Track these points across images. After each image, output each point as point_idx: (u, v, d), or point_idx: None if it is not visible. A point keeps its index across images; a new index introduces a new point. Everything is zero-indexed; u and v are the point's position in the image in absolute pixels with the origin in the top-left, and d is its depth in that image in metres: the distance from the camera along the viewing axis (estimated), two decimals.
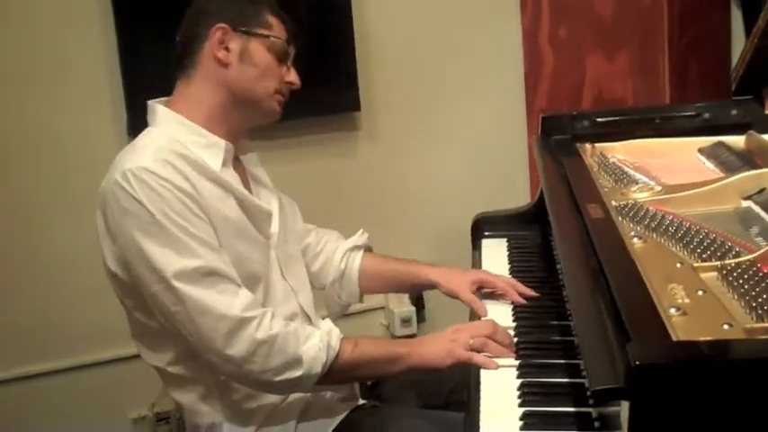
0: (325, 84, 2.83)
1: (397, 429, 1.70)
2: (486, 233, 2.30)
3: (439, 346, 1.62)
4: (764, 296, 1.24)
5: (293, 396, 1.71)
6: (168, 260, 1.53)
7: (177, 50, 1.73)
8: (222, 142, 1.69)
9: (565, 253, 1.56)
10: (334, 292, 2.00)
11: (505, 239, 2.24)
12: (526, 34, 3.07)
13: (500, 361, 1.56)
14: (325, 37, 2.85)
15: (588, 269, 1.35)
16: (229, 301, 1.53)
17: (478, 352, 1.58)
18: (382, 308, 3.14)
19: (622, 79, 3.01)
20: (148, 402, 2.91)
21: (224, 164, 1.68)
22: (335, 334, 1.61)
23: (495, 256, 2.14)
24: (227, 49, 1.67)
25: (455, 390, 1.78)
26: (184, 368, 1.69)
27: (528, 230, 2.23)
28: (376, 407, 1.84)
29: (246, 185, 1.77)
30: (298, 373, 1.56)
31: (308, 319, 1.81)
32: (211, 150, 1.67)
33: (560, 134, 2.27)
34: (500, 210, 2.34)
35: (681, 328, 1.14)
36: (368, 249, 2.05)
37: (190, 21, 1.72)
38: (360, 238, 2.03)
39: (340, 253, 1.99)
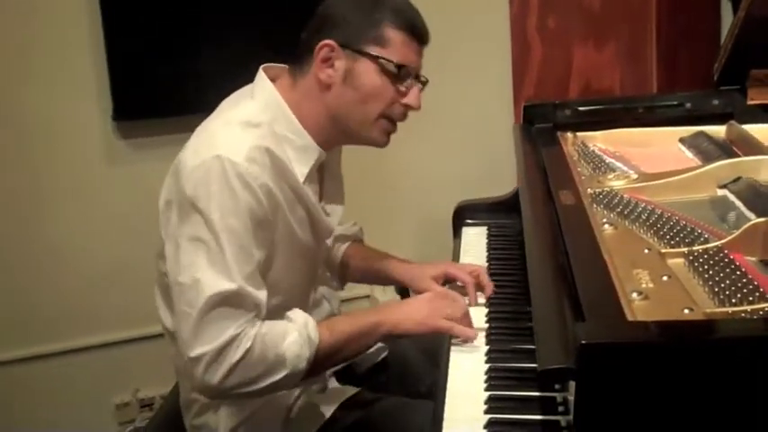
0: None
1: (386, 418, 1.69)
2: (468, 221, 2.30)
3: (414, 312, 1.60)
4: (727, 282, 1.24)
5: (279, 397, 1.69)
6: (203, 270, 1.46)
7: (297, 48, 1.62)
8: (317, 150, 1.60)
9: (530, 236, 1.56)
10: None
11: (486, 227, 2.24)
12: (514, 23, 3.05)
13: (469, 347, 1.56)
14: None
15: (551, 252, 1.35)
16: (225, 330, 1.45)
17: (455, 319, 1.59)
18: (367, 296, 3.14)
19: (610, 69, 3.00)
20: (132, 388, 2.92)
21: (309, 175, 1.60)
22: (311, 324, 1.54)
23: (475, 244, 2.14)
24: (332, 66, 1.56)
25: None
26: None
27: (509, 219, 2.22)
28: (365, 397, 1.78)
29: (321, 190, 1.71)
30: (282, 373, 1.50)
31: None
32: (305, 155, 1.59)
33: (543, 122, 2.27)
34: (482, 198, 2.33)
35: (640, 311, 1.15)
36: (357, 240, 2.01)
37: (313, 23, 1.62)
38: (349, 228, 2.00)
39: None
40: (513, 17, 3.05)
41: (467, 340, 1.57)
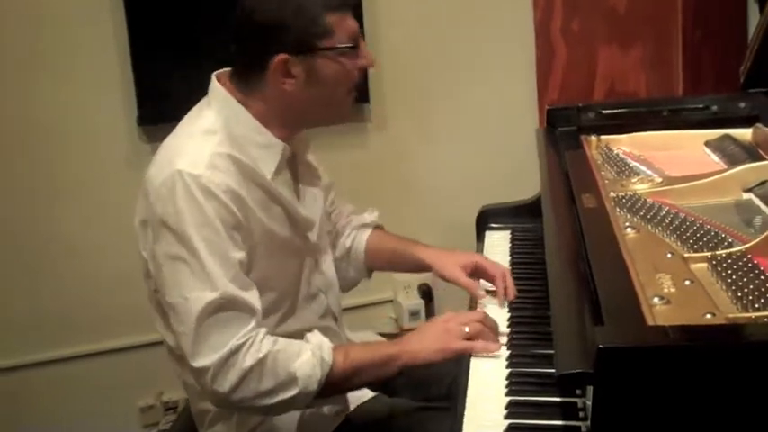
0: None
1: (402, 423, 1.70)
2: (491, 225, 2.28)
3: (431, 340, 1.56)
4: (751, 286, 1.22)
5: None
6: (187, 287, 1.48)
7: (235, 59, 1.62)
8: (281, 145, 1.61)
9: (550, 240, 1.55)
10: (341, 267, 1.96)
11: (509, 231, 2.23)
12: (538, 26, 3.04)
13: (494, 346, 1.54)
14: None
15: (571, 256, 1.34)
16: (227, 338, 1.47)
17: (475, 338, 1.55)
18: (391, 301, 3.14)
19: (635, 72, 2.99)
20: (156, 391, 2.93)
21: (278, 169, 1.62)
22: (326, 346, 1.54)
23: (498, 247, 2.12)
24: (290, 75, 1.56)
25: (455, 382, 1.75)
26: None
27: (533, 222, 2.20)
28: (381, 401, 1.80)
29: (296, 182, 1.72)
30: (293, 392, 1.50)
31: (335, 319, 1.81)
32: (269, 152, 1.60)
33: (566, 126, 2.26)
34: (505, 202, 2.32)
35: (662, 316, 1.13)
36: (378, 227, 2.01)
37: (247, 40, 1.59)
38: (369, 216, 2.00)
39: (348, 230, 1.97)
40: (537, 20, 3.04)
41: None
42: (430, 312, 3.11)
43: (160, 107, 2.73)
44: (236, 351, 1.47)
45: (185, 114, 2.69)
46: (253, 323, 1.50)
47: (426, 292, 3.09)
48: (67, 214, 2.78)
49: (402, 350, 1.58)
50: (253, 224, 1.57)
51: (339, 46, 1.57)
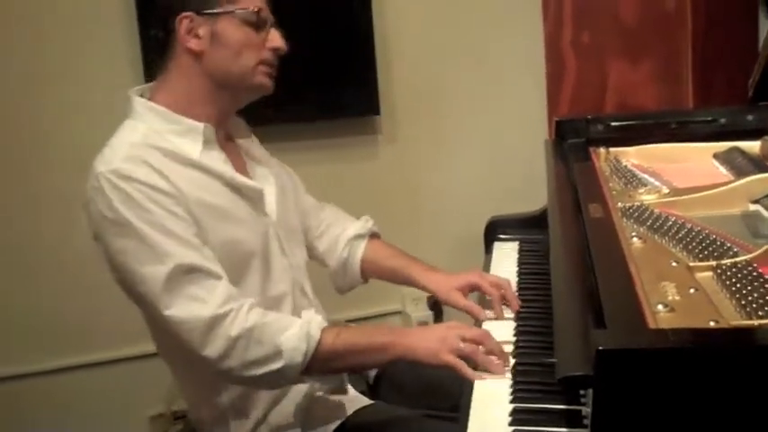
0: (344, 87, 2.85)
1: (397, 430, 1.70)
2: (500, 236, 2.29)
3: (428, 342, 1.56)
4: (755, 295, 1.22)
5: (289, 400, 1.73)
6: (144, 265, 1.54)
7: (155, 41, 1.72)
8: (199, 126, 1.66)
9: (555, 247, 1.55)
10: (337, 277, 2.01)
11: (518, 243, 2.23)
12: (548, 39, 3.05)
13: (488, 376, 1.50)
14: (346, 41, 2.87)
15: (576, 263, 1.35)
16: (201, 305, 1.53)
17: (468, 358, 1.53)
18: (399, 312, 3.14)
19: (645, 86, 2.99)
20: (166, 400, 2.94)
21: (207, 146, 1.66)
22: (316, 323, 1.58)
23: (506, 258, 2.13)
24: (196, 36, 1.65)
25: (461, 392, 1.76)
26: (180, 360, 1.71)
27: (541, 234, 2.20)
28: (380, 408, 1.81)
29: (240, 164, 1.76)
30: (278, 364, 1.54)
31: (305, 294, 1.82)
32: (189, 136, 1.65)
33: (575, 138, 2.27)
34: (514, 213, 2.33)
35: (665, 323, 1.14)
36: (374, 235, 2.03)
37: (157, 13, 1.70)
38: (364, 225, 2.02)
39: (343, 241, 1.98)
40: (547, 33, 3.05)
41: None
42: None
43: None
44: (221, 318, 1.52)
45: None
46: (223, 284, 1.55)
47: (435, 304, 3.09)
48: (79, 220, 2.79)
49: (397, 341, 1.59)
50: (186, 196, 1.60)
51: (239, 10, 1.66)
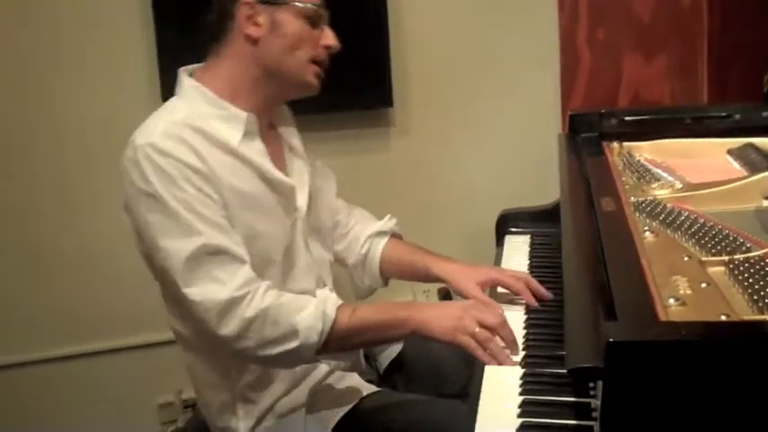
0: (358, 80, 2.84)
1: (407, 416, 1.70)
2: (512, 229, 2.29)
3: (443, 320, 1.58)
4: None
5: (297, 387, 1.73)
6: (170, 239, 1.56)
7: (208, 25, 1.72)
8: (243, 115, 1.67)
9: (567, 240, 1.55)
10: (356, 275, 1.99)
11: (529, 236, 2.23)
12: (563, 34, 3.04)
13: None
14: (360, 34, 2.85)
15: (588, 256, 1.34)
16: (220, 287, 1.54)
17: (480, 344, 1.54)
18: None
19: (660, 82, 2.98)
20: (175, 389, 2.94)
21: (247, 136, 1.67)
22: (331, 301, 1.60)
23: (517, 252, 2.13)
24: (255, 23, 1.66)
25: (470, 379, 1.75)
26: (193, 340, 1.72)
27: (553, 227, 2.20)
28: (387, 394, 1.81)
29: (279, 154, 1.77)
30: (294, 343, 1.56)
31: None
32: (231, 123, 1.66)
33: (588, 132, 2.26)
34: (525, 206, 2.32)
35: (676, 316, 1.13)
36: (395, 235, 2.02)
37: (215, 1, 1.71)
38: (386, 223, 2.01)
39: (363, 237, 1.98)
40: (562, 28, 3.04)
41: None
42: None
43: None
44: (238, 301, 1.54)
45: None
46: (246, 268, 1.57)
47: (446, 296, 3.09)
48: (91, 211, 2.80)
49: (412, 316, 1.60)
50: (220, 180, 1.61)
51: (299, 3, 1.68)
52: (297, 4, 1.68)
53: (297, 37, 1.68)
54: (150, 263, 1.66)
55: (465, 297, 1.81)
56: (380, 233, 1.99)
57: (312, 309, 1.57)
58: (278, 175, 1.72)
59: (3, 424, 2.85)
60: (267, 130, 1.77)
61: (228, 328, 1.54)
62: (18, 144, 2.74)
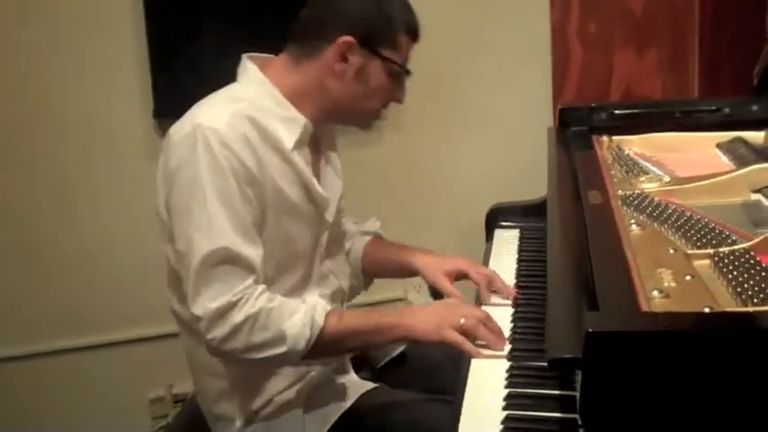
0: None
1: (406, 415, 1.70)
2: (502, 223, 2.28)
3: (428, 320, 1.59)
4: (751, 282, 1.22)
5: (297, 384, 1.72)
6: (195, 233, 1.53)
7: (299, 29, 1.68)
8: (302, 120, 1.65)
9: (552, 232, 1.55)
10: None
11: (519, 231, 2.23)
12: (555, 27, 3.03)
13: (488, 352, 1.53)
14: None
15: (572, 248, 1.34)
16: (221, 294, 1.52)
17: (469, 334, 1.56)
18: (401, 299, 3.13)
19: (651, 77, 2.98)
20: (166, 384, 2.94)
21: (299, 143, 1.65)
22: (321, 308, 1.59)
23: (506, 246, 2.13)
24: (345, 60, 1.63)
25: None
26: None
27: (542, 222, 2.19)
28: (385, 392, 1.81)
29: (317, 166, 1.76)
30: (281, 349, 1.55)
31: (342, 305, 1.84)
32: (289, 125, 1.64)
33: (578, 126, 2.26)
34: (515, 201, 2.32)
35: (659, 308, 1.13)
36: (377, 236, 2.02)
37: (321, 12, 1.67)
38: (371, 225, 2.02)
39: (348, 236, 1.98)
40: (553, 22, 3.04)
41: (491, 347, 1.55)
42: None
43: (176, 99, 2.74)
44: (230, 307, 1.52)
45: None
46: (250, 281, 1.55)
47: (437, 291, 3.08)
48: (82, 207, 2.80)
49: (398, 322, 1.61)
50: (266, 180, 1.60)
51: (397, 63, 1.66)
52: (394, 65, 1.66)
53: (377, 89, 1.67)
54: (169, 238, 1.63)
55: (434, 286, 1.87)
56: (365, 233, 2.00)
57: (301, 315, 1.56)
58: (318, 188, 1.71)
59: None
60: (310, 139, 1.75)
61: (217, 332, 1.53)
62: (17, 142, 2.73)
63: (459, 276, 1.87)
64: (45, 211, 2.78)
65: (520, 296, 1.77)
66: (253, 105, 1.62)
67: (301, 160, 1.67)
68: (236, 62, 2.78)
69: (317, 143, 1.76)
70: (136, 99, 2.76)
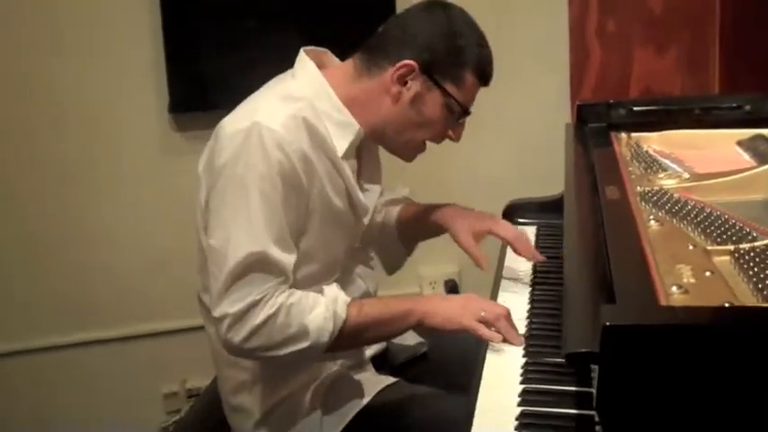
0: None
1: (424, 410, 1.68)
2: (518, 220, 2.27)
3: (448, 308, 1.58)
4: None
5: (316, 380, 1.72)
6: (232, 232, 1.51)
7: (370, 41, 1.66)
8: (356, 127, 1.62)
9: (569, 228, 1.54)
10: (381, 246, 1.98)
11: (536, 227, 2.21)
12: (573, 25, 3.01)
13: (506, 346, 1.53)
14: (368, 19, 2.83)
15: (590, 243, 1.33)
16: (248, 296, 1.50)
17: (488, 326, 1.55)
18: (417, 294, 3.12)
19: (671, 75, 2.95)
20: (180, 378, 2.94)
21: (348, 151, 1.63)
22: (342, 300, 1.57)
23: None
24: (404, 84, 1.61)
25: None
26: None
27: (559, 219, 2.18)
28: (403, 387, 1.78)
29: (360, 172, 1.74)
30: (305, 344, 1.53)
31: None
32: (343, 131, 1.62)
33: (596, 122, 2.24)
34: (532, 197, 2.30)
35: (678, 304, 1.12)
36: (407, 203, 2.02)
37: (396, 31, 1.65)
38: (399, 191, 2.02)
39: (380, 206, 1.95)
40: (572, 20, 3.01)
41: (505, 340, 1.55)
42: None
43: (192, 94, 2.75)
44: (252, 306, 1.50)
45: (217, 101, 2.72)
46: (278, 281, 1.53)
47: (453, 288, 3.06)
48: (97, 201, 2.80)
49: (417, 308, 1.60)
50: (315, 188, 1.58)
51: (457, 100, 1.63)
52: (453, 99, 1.64)
53: (430, 121, 1.65)
54: (203, 229, 1.61)
55: (457, 242, 1.84)
56: (395, 201, 1.99)
57: (323, 309, 1.54)
58: (361, 196, 1.70)
59: (7, 412, 2.86)
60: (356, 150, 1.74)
61: (237, 334, 1.51)
62: (19, 134, 2.73)
63: (488, 235, 1.85)
64: (58, 204, 2.78)
65: (536, 292, 1.75)
66: (309, 106, 1.59)
67: (348, 168, 1.65)
68: (250, 56, 2.78)
69: (360, 150, 1.73)
70: (150, 94, 2.76)
